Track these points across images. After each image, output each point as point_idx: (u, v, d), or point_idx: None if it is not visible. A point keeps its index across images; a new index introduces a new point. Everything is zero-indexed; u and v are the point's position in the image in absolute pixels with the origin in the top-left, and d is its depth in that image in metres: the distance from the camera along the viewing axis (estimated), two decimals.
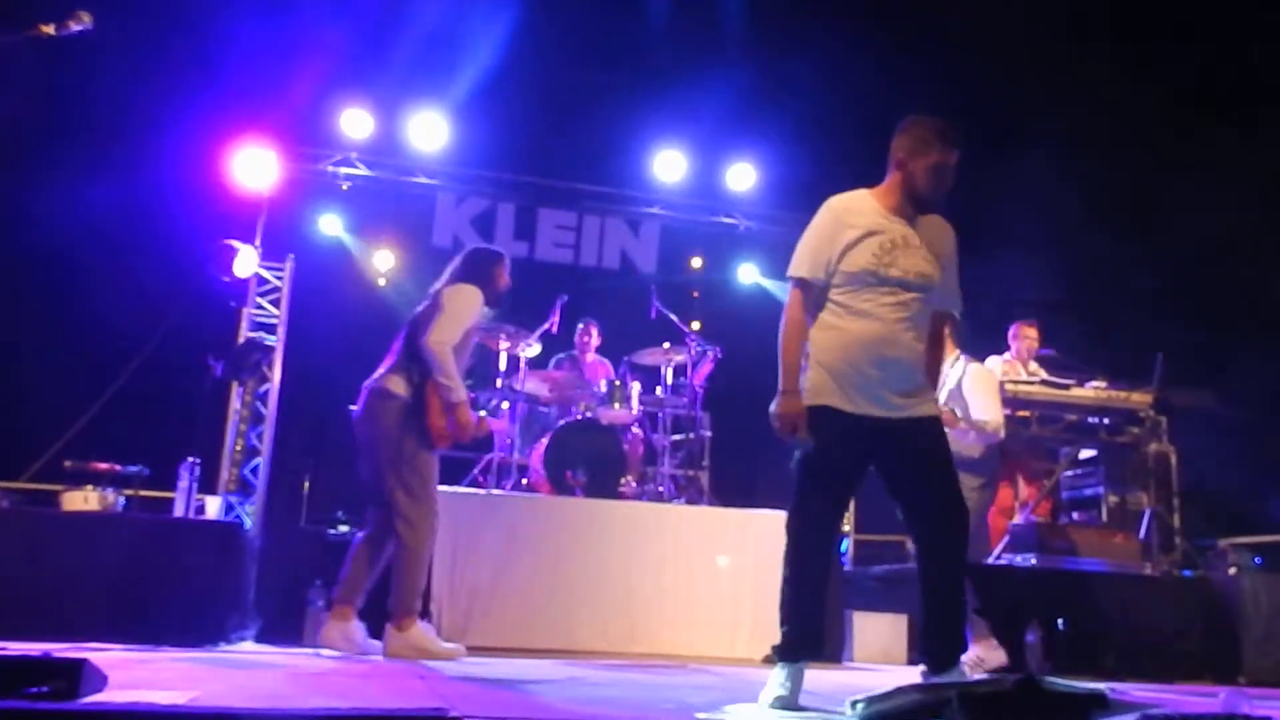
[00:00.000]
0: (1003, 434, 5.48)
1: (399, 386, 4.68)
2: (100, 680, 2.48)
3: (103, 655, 2.99)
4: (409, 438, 4.63)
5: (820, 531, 3.42)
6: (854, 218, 3.46)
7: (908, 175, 3.45)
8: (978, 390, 5.54)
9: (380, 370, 4.78)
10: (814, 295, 3.49)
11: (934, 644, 3.42)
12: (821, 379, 3.40)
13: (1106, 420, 6.17)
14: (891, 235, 3.42)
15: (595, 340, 7.68)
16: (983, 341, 6.28)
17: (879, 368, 3.37)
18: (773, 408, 3.39)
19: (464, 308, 4.72)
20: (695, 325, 8.01)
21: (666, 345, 7.41)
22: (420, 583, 4.68)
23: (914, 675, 4.58)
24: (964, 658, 5.26)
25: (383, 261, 9.08)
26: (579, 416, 6.77)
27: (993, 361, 6.68)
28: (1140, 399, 6.05)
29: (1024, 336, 6.92)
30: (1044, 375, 6.41)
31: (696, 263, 9.74)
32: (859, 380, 3.37)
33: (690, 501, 7.11)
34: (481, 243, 8.95)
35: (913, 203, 3.48)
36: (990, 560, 5.88)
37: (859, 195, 3.55)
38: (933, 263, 3.47)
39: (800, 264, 3.48)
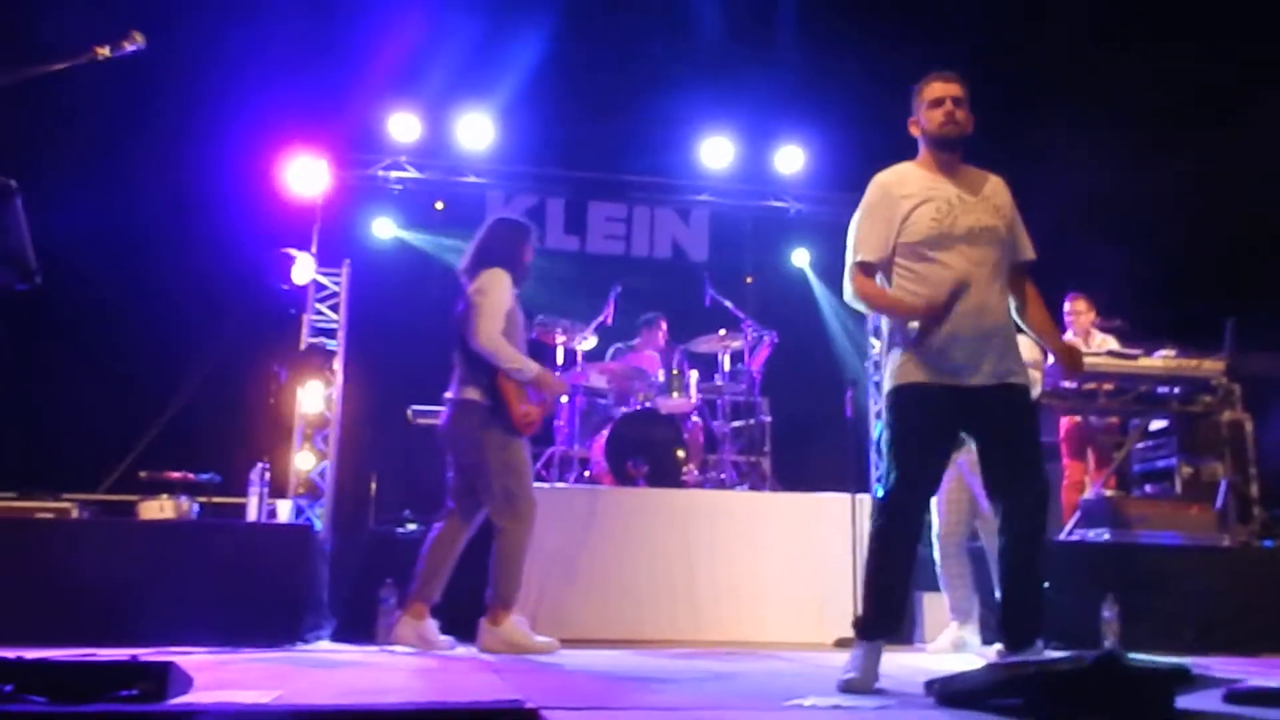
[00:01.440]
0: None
1: (474, 393, 4.72)
2: (186, 682, 2.54)
3: (186, 658, 3.05)
4: (496, 437, 4.67)
5: (909, 509, 3.39)
6: (905, 188, 3.45)
7: (922, 129, 3.52)
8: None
9: (453, 383, 4.84)
10: (873, 275, 3.47)
11: (1012, 621, 3.38)
12: (901, 355, 3.38)
13: (1178, 390, 6.03)
14: (946, 196, 3.41)
15: (664, 338, 7.66)
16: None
17: (963, 335, 3.31)
18: (916, 319, 3.34)
19: (497, 296, 4.73)
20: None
21: (722, 332, 7.40)
22: (519, 578, 4.70)
23: (984, 657, 4.54)
24: (946, 635, 5.22)
25: (437, 262, 9.16)
26: (638, 407, 6.78)
27: None
28: (1212, 366, 5.90)
29: (1074, 311, 6.81)
30: (1111, 346, 6.30)
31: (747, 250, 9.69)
32: (941, 350, 3.32)
33: (753, 487, 7.09)
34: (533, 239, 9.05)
35: (945, 152, 3.48)
36: (1062, 536, 5.80)
37: (903, 167, 3.56)
38: (994, 214, 3.44)
39: (862, 246, 3.46)
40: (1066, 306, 6.86)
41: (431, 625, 4.75)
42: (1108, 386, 5.98)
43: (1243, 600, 5.33)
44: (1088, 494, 6.18)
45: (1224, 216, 8.31)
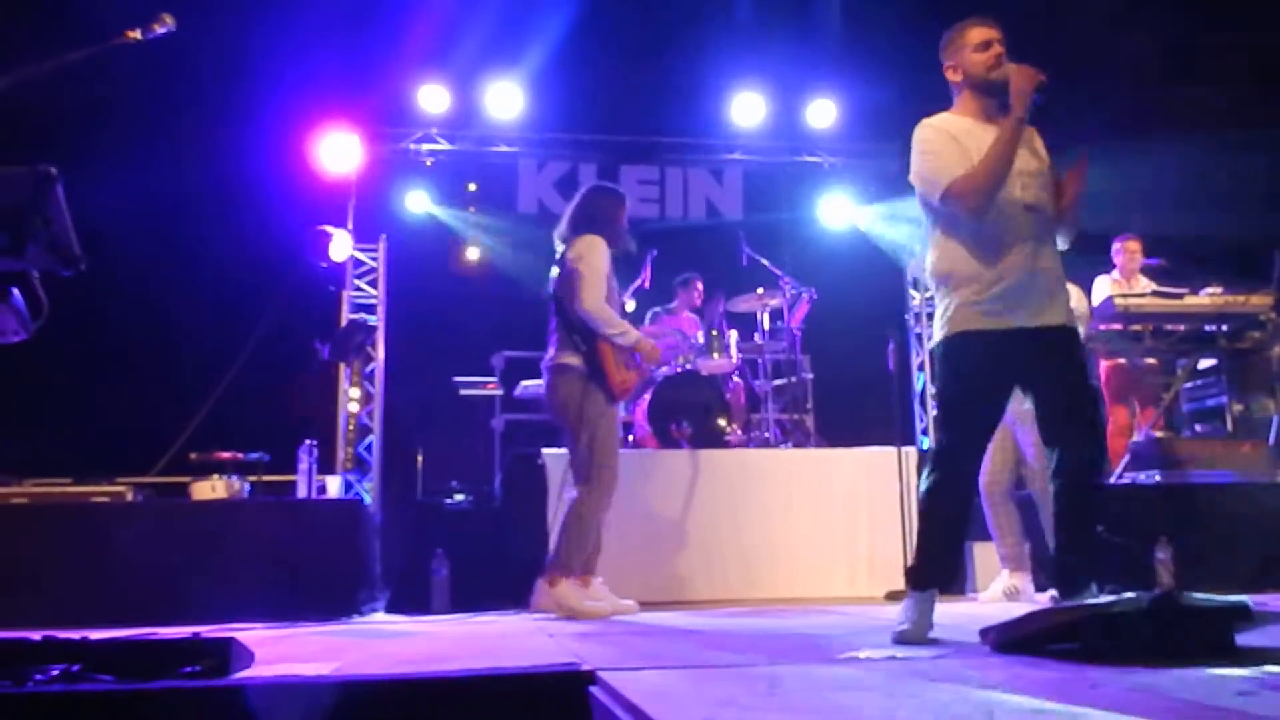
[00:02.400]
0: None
1: (572, 358, 4.74)
2: (248, 657, 2.59)
3: (246, 634, 3.11)
4: (592, 403, 4.69)
5: (962, 463, 3.35)
6: (964, 138, 3.33)
7: (966, 74, 3.40)
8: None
9: (550, 350, 4.86)
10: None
11: (1065, 566, 3.35)
12: (958, 303, 3.29)
13: (1225, 327, 5.92)
14: None
15: (700, 298, 7.63)
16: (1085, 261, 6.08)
17: (1020, 279, 3.25)
18: (1021, 101, 3.20)
19: (597, 262, 4.76)
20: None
21: (760, 290, 7.36)
22: (587, 545, 4.72)
23: (1037, 604, 4.51)
24: (998, 584, 5.19)
25: (473, 232, 9.19)
26: (679, 369, 6.78)
27: (1101, 282, 6.48)
28: (1260, 301, 5.78)
29: (1127, 250, 6.72)
30: (1154, 288, 6.20)
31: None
32: (1000, 295, 3.25)
33: (797, 445, 7.09)
34: (566, 205, 9.04)
35: (989, 97, 3.38)
36: (1113, 480, 5.74)
37: (949, 116, 3.45)
38: (1037, 157, 3.37)
39: (944, 172, 3.27)
40: (1116, 245, 6.76)
41: (595, 585, 4.80)
42: (1155, 327, 5.89)
43: None
44: (1137, 437, 6.10)
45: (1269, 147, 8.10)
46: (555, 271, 4.93)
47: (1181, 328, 5.89)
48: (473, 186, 9.14)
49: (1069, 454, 3.30)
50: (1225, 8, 8.05)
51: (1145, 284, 6.48)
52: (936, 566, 3.34)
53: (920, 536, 3.37)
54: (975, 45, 3.38)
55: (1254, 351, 6.02)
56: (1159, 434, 5.96)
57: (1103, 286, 6.42)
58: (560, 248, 4.95)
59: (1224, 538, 5.16)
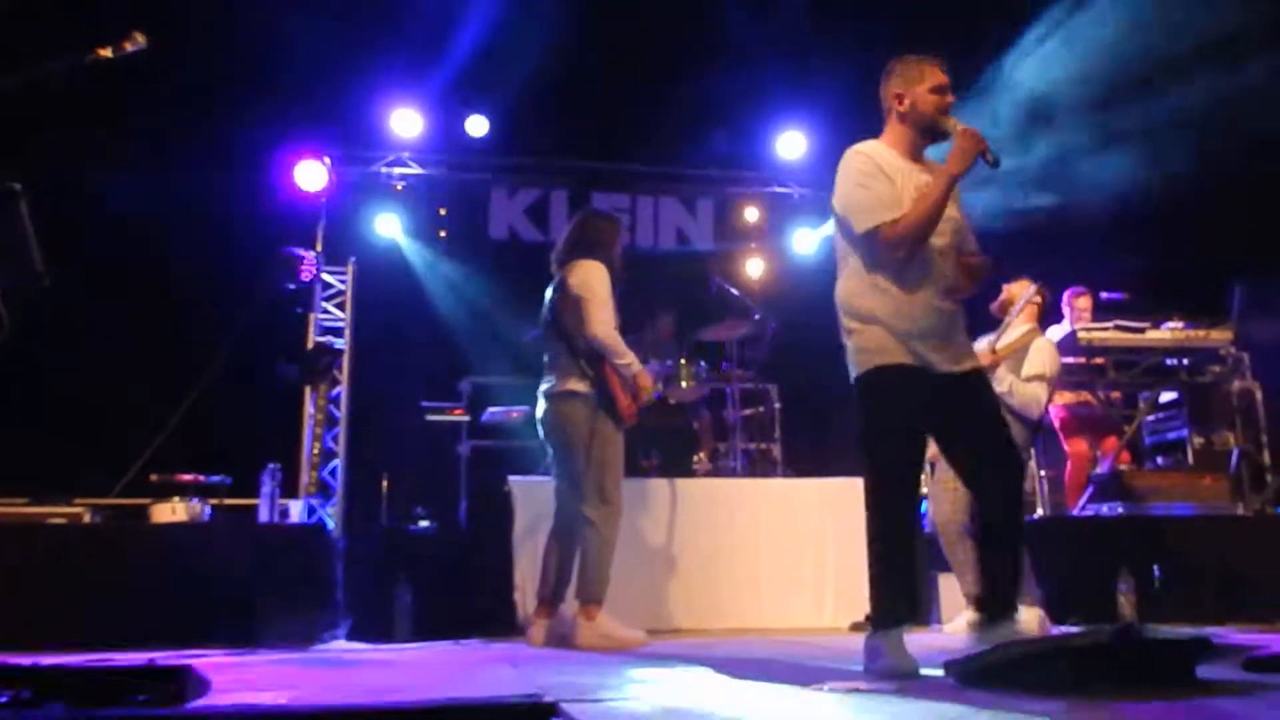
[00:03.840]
0: (1034, 413, 5.01)
1: (580, 385, 4.67)
2: (204, 685, 2.54)
3: (203, 661, 3.06)
4: (603, 430, 4.65)
5: (899, 499, 3.31)
6: (889, 167, 3.35)
7: (911, 109, 3.40)
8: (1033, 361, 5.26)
9: (551, 377, 4.77)
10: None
11: (988, 593, 3.41)
12: (881, 336, 3.29)
13: (1186, 361, 6.01)
14: (917, 184, 3.35)
15: (670, 333, 7.61)
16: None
17: (933, 320, 3.30)
18: (962, 160, 3.23)
19: (601, 287, 4.70)
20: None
21: (729, 320, 7.37)
22: (609, 573, 4.67)
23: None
24: (961, 619, 5.20)
25: (442, 257, 9.16)
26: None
27: (1053, 332, 6.54)
28: (1220, 335, 5.88)
29: (1076, 308, 6.76)
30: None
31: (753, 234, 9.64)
32: (917, 333, 3.27)
33: (764, 474, 7.08)
34: (537, 233, 9.05)
35: (924, 137, 3.41)
36: (1076, 512, 5.78)
37: (878, 145, 3.45)
38: (955, 203, 3.39)
39: (880, 208, 3.27)
40: (1066, 296, 6.79)
41: (561, 621, 4.74)
42: (1116, 361, 5.96)
43: (1260, 569, 5.31)
44: (1099, 469, 6.15)
45: (1227, 180, 8.22)
46: (550, 294, 4.87)
47: (1143, 361, 5.97)
48: (443, 211, 9.13)
49: (992, 493, 3.32)
50: None
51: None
52: (897, 604, 3.27)
53: (871, 578, 3.30)
54: (932, 86, 3.40)
55: (1214, 385, 6.11)
56: (1121, 466, 6.01)
57: (1056, 334, 6.47)
58: (556, 271, 4.90)
59: (1185, 570, 5.20)
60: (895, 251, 3.26)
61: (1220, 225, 8.07)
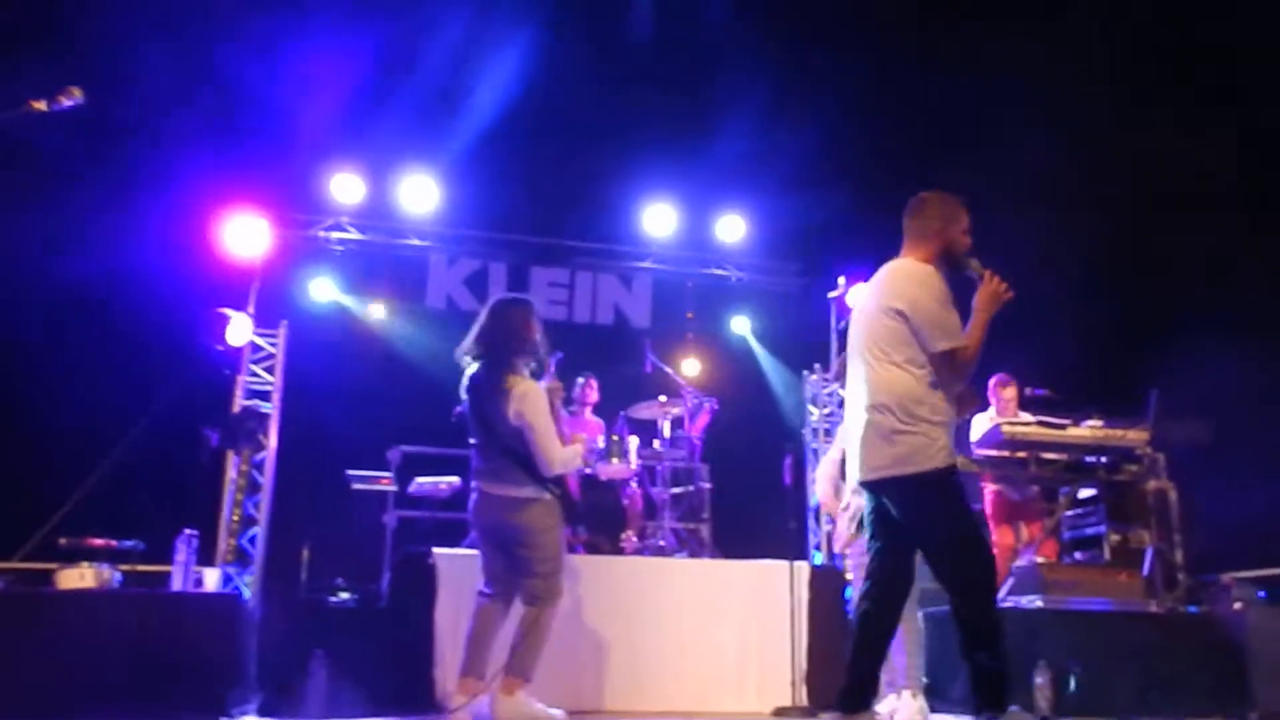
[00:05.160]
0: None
1: (532, 490, 4.57)
2: None
3: None
4: (556, 526, 4.64)
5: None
6: None
7: (948, 241, 3.77)
8: None
9: (507, 484, 4.58)
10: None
11: (852, 684, 3.65)
12: (946, 439, 3.64)
13: (1104, 459, 6.16)
14: None
15: (595, 396, 7.63)
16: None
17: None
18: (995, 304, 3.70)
19: (541, 413, 4.58)
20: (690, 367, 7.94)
21: (663, 399, 7.42)
22: (542, 653, 4.64)
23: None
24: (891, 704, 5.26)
25: (377, 324, 9.11)
26: (578, 473, 6.74)
27: (979, 421, 6.67)
28: (1137, 436, 6.04)
29: (1003, 397, 6.93)
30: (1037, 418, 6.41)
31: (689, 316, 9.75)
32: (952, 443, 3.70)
33: (692, 554, 7.08)
34: (475, 303, 9.03)
35: (946, 267, 3.76)
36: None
37: (936, 273, 3.76)
38: None
39: (956, 335, 3.65)
40: (992, 384, 6.94)
41: (526, 697, 4.62)
42: (1038, 455, 6.08)
43: (1172, 665, 5.41)
44: (1020, 561, 6.25)
45: (1143, 284, 8.53)
46: (478, 390, 4.65)
47: (1064, 457, 6.11)
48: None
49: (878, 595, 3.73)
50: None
51: (1026, 418, 6.70)
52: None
53: (993, 671, 3.57)
54: (965, 229, 3.79)
55: (1131, 484, 6.26)
56: (1039, 560, 6.11)
57: (981, 424, 6.61)
58: (470, 366, 4.73)
59: (1100, 665, 5.27)
60: (963, 374, 3.66)
61: (1137, 329, 8.38)
